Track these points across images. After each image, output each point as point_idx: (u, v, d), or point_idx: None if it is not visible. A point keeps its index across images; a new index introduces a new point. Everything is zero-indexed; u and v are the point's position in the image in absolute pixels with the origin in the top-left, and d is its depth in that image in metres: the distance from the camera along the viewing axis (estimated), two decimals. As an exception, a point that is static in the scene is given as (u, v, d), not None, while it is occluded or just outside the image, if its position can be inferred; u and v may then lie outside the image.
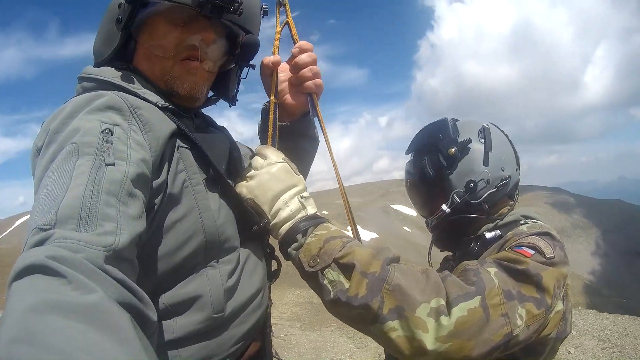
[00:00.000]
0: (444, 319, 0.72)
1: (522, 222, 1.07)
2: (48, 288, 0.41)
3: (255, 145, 1.01)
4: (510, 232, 1.02)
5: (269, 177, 0.85)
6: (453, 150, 1.14)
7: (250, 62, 0.97)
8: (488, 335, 0.73)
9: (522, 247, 0.89)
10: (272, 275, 0.95)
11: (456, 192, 1.14)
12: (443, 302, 0.73)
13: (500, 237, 1.06)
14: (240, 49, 0.91)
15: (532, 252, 0.86)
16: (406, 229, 36.77)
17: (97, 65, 0.89)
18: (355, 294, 0.74)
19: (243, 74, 1.00)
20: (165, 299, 0.74)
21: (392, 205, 40.82)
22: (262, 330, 0.90)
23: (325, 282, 0.78)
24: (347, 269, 0.76)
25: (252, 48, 0.91)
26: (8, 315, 0.38)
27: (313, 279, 0.80)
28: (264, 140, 1.00)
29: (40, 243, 0.49)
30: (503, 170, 1.15)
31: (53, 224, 0.51)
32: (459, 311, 0.73)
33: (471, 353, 0.72)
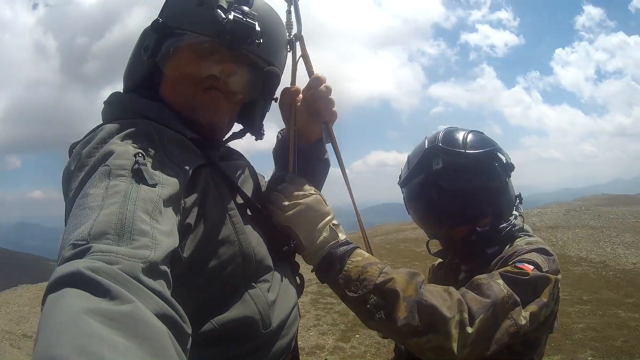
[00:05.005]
0: (468, 329, 0.87)
1: (517, 236, 1.20)
2: (85, 298, 0.41)
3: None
4: (510, 248, 1.16)
5: (306, 207, 0.92)
6: (511, 162, 1.26)
7: (275, 96, 1.00)
8: (500, 336, 0.91)
9: (524, 263, 1.05)
10: (299, 290, 1.00)
11: (517, 201, 1.24)
12: (466, 315, 0.88)
13: (500, 250, 1.18)
14: (263, 82, 0.94)
15: (532, 267, 1.03)
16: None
17: (125, 91, 0.92)
18: (398, 316, 0.85)
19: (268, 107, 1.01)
20: (215, 321, 0.77)
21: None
22: (294, 343, 0.94)
23: (369, 306, 0.87)
24: (389, 295, 0.87)
25: (273, 79, 0.95)
26: (47, 326, 0.37)
27: (356, 303, 0.89)
28: (281, 163, 1.06)
29: (77, 256, 0.49)
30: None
31: (88, 239, 0.51)
32: (479, 322, 0.89)
33: (487, 353, 0.90)
